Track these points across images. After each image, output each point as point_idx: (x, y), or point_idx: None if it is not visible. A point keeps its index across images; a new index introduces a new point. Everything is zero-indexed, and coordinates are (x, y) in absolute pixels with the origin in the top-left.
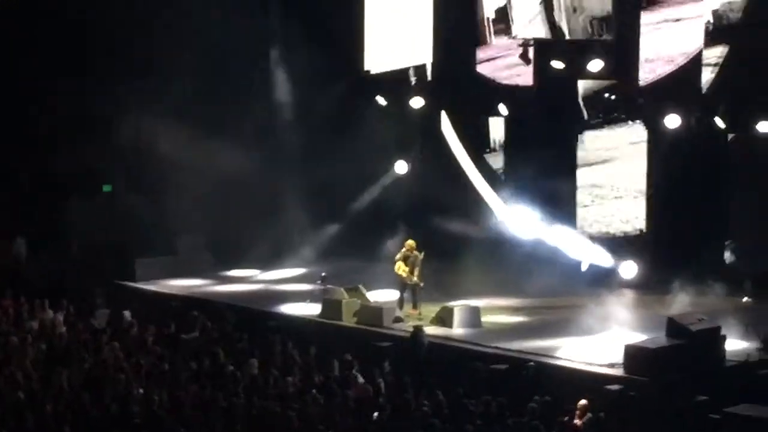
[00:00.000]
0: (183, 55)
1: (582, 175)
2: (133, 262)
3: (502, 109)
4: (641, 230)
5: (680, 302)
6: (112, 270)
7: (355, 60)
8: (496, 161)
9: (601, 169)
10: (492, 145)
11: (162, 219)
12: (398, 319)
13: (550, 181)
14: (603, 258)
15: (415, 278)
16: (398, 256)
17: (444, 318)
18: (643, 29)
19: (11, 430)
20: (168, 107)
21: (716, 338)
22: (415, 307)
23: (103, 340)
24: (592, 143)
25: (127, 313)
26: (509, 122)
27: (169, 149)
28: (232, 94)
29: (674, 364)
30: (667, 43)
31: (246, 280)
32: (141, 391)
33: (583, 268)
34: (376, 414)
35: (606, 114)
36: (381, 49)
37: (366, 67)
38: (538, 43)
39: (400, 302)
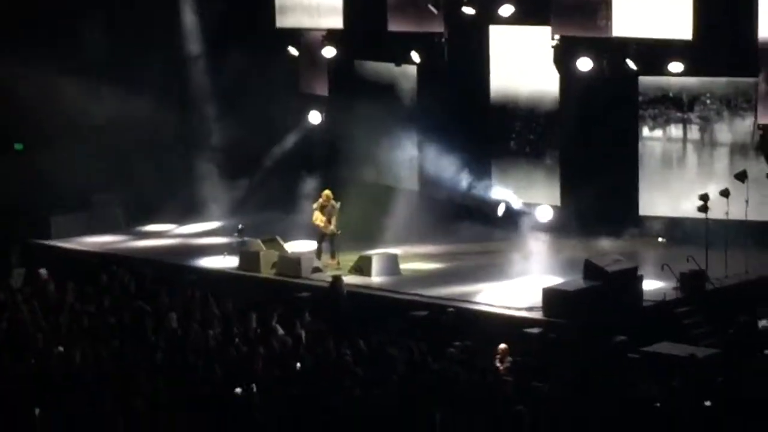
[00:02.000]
0: (92, 9)
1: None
2: (48, 219)
3: (414, 56)
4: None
5: (596, 244)
6: (26, 228)
7: (266, 17)
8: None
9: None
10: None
11: (75, 176)
12: (317, 269)
13: (464, 125)
14: (517, 201)
15: (332, 228)
16: (315, 205)
17: (362, 266)
18: None
19: None
20: (77, 62)
21: (633, 279)
22: (333, 256)
23: (20, 299)
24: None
25: (43, 271)
26: (421, 70)
27: (80, 105)
28: (142, 48)
29: (592, 306)
30: None
31: (162, 235)
32: (60, 349)
33: (499, 212)
34: (298, 365)
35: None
36: (291, 7)
37: (278, 25)
38: None
39: (318, 252)
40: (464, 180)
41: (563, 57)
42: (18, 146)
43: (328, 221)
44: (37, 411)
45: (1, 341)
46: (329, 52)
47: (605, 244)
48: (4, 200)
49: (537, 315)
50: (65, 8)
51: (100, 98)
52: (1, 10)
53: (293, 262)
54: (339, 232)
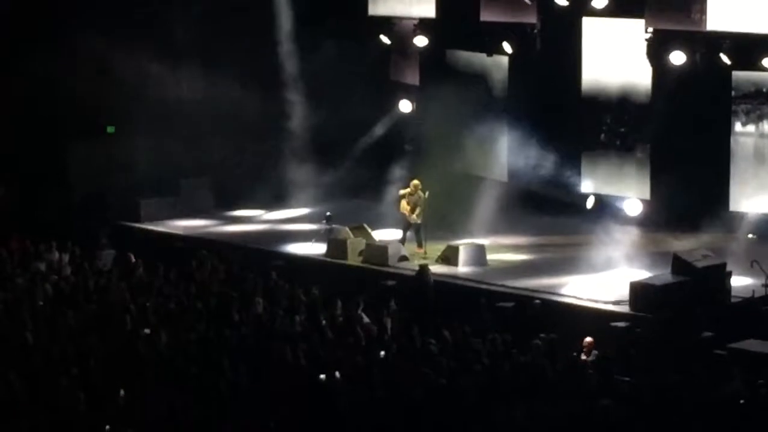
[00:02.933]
0: None
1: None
2: (138, 203)
3: (506, 47)
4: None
5: (686, 239)
6: (116, 211)
7: (359, 4)
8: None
9: None
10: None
11: (164, 160)
12: (404, 258)
13: (555, 116)
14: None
15: (417, 217)
16: (402, 193)
17: (449, 256)
18: None
19: (19, 371)
20: (168, 45)
21: (721, 274)
22: (420, 246)
23: (109, 281)
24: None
25: (131, 254)
26: (513, 60)
27: (171, 89)
28: (234, 32)
29: (679, 301)
30: None
31: (250, 221)
32: (147, 331)
33: (589, 205)
34: (382, 353)
35: None
36: None
37: (370, 12)
38: None
39: (403, 241)
40: (554, 171)
41: (656, 50)
42: (110, 129)
43: (414, 210)
44: (122, 392)
45: (90, 322)
46: (421, 41)
47: (694, 238)
48: (95, 182)
49: (624, 309)
50: None
51: (190, 82)
52: None
53: (381, 250)
54: (420, 221)
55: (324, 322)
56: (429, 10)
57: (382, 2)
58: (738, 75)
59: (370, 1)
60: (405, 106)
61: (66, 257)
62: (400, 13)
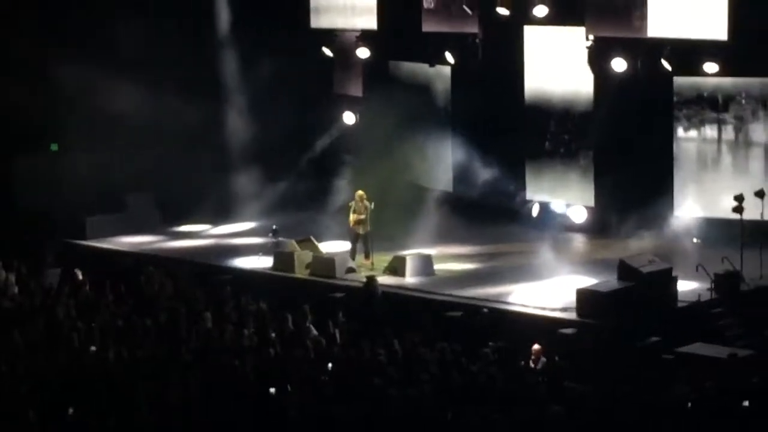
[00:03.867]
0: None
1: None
2: (83, 220)
3: (449, 57)
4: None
5: (630, 245)
6: (61, 228)
7: (302, 18)
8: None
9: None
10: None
11: (109, 175)
12: (351, 270)
13: (498, 125)
14: (553, 202)
15: (365, 228)
16: (349, 206)
17: (397, 267)
18: None
19: None
20: (113, 63)
21: (667, 279)
22: (367, 257)
23: (56, 299)
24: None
25: (78, 272)
26: (455, 70)
27: (114, 105)
28: (175, 45)
29: (626, 306)
30: None
31: (196, 235)
32: (94, 348)
33: (534, 213)
34: (330, 365)
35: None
36: (326, 7)
37: (312, 25)
38: None
39: (352, 252)
40: (498, 180)
41: (598, 57)
42: (53, 147)
43: (361, 221)
44: (70, 410)
45: (36, 341)
46: (363, 52)
47: (639, 244)
48: (39, 200)
49: (571, 315)
50: (100, 6)
51: (133, 98)
52: (31, 7)
53: (328, 263)
54: (366, 232)
55: (273, 335)
56: (371, 22)
57: (324, 14)
58: (679, 80)
59: (313, 13)
60: (349, 117)
61: (12, 276)
62: (342, 25)
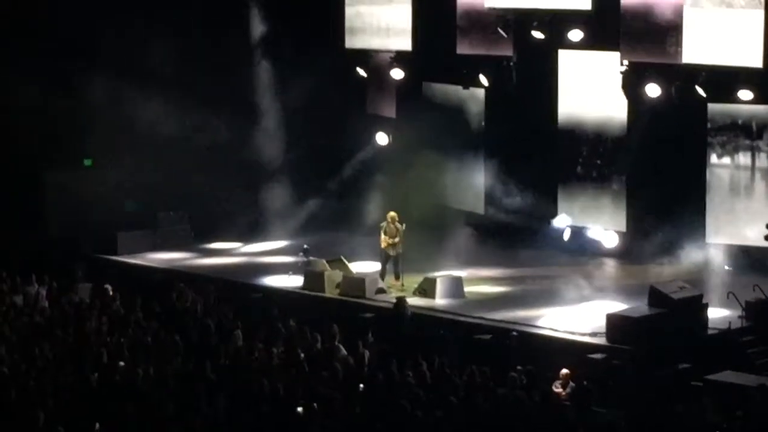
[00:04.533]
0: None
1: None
2: (115, 235)
3: (483, 79)
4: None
5: (662, 271)
6: (93, 244)
7: (336, 38)
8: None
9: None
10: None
11: (142, 192)
12: (381, 290)
13: (531, 149)
14: (585, 228)
15: (396, 249)
16: (381, 226)
17: (427, 288)
18: None
19: None
20: (146, 79)
21: (698, 306)
22: (397, 278)
23: (86, 314)
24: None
25: (109, 287)
26: (489, 93)
27: (149, 121)
28: (212, 64)
29: (656, 333)
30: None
31: (227, 253)
32: (123, 364)
33: (565, 237)
34: (361, 386)
35: None
36: (361, 28)
37: (347, 45)
38: (517, 14)
39: (382, 273)
40: (531, 204)
41: (632, 83)
42: (87, 162)
43: (392, 243)
44: (97, 425)
45: (66, 355)
46: (398, 74)
47: (671, 270)
48: (72, 215)
49: (600, 341)
50: (134, 23)
51: (169, 115)
52: (69, 23)
53: (358, 283)
54: (397, 253)
55: (302, 354)
56: (405, 43)
57: (360, 35)
58: (713, 107)
59: (348, 33)
60: (382, 138)
61: (43, 291)
62: (377, 46)
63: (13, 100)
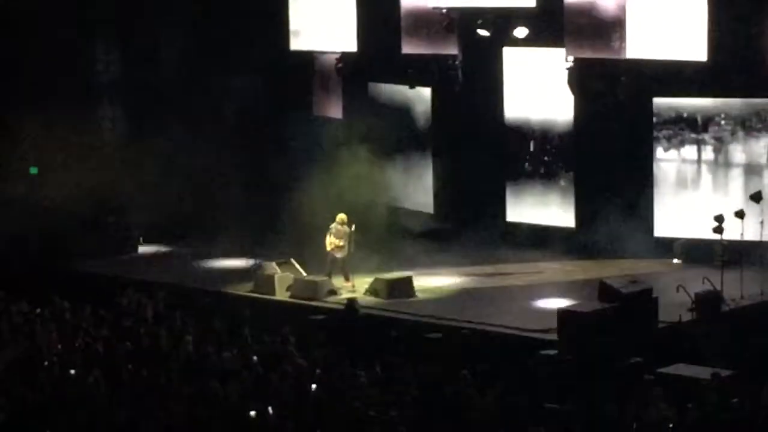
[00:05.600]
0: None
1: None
2: (64, 243)
3: (427, 79)
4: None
5: (611, 266)
6: (41, 252)
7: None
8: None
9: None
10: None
11: (91, 198)
12: (332, 292)
13: (478, 146)
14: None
15: (344, 251)
16: (329, 229)
17: (378, 289)
18: None
19: None
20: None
21: (648, 300)
22: (347, 279)
23: (36, 323)
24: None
25: (56, 296)
26: (435, 92)
27: (96, 128)
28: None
29: (607, 327)
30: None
31: (176, 257)
32: (72, 372)
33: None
34: (314, 387)
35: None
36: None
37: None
38: (461, 12)
39: (329, 275)
40: (479, 202)
41: (577, 78)
42: (33, 170)
43: (340, 245)
44: None
45: (16, 365)
46: (342, 74)
47: (620, 265)
48: (19, 224)
49: (552, 336)
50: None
51: (114, 121)
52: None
53: (310, 285)
54: (346, 255)
55: (254, 358)
56: (350, 44)
57: (305, 37)
58: (659, 101)
59: (292, 35)
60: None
61: None
62: (322, 47)
63: None
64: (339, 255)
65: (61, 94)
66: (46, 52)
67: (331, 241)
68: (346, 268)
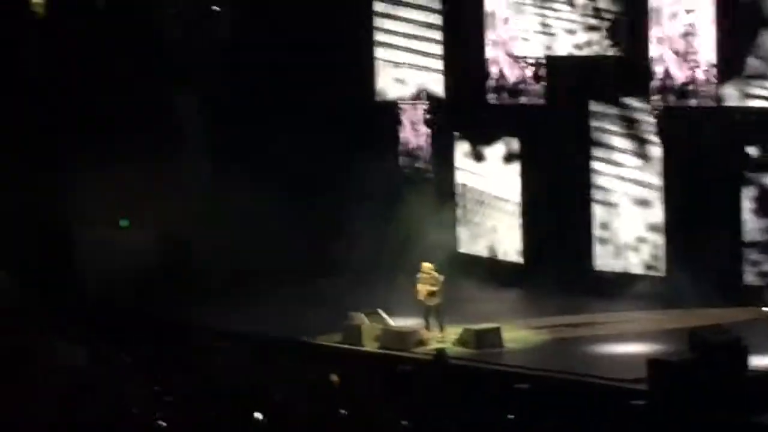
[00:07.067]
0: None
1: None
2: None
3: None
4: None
5: (701, 314)
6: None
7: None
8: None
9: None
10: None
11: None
12: (420, 342)
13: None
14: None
15: (435, 300)
16: (418, 279)
17: (466, 339)
18: None
19: None
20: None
21: (738, 349)
22: (436, 328)
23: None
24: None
25: None
26: (523, 142)
27: None
28: None
29: (698, 377)
30: None
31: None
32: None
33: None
34: None
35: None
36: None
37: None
38: (548, 60)
39: (426, 325)
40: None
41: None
42: (124, 222)
43: (431, 293)
44: None
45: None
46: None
47: (711, 314)
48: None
49: (643, 386)
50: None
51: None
52: None
53: (397, 336)
54: (436, 304)
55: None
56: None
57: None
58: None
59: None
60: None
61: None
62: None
63: None
64: (432, 303)
65: (147, 144)
66: (134, 102)
67: (424, 289)
68: (439, 317)
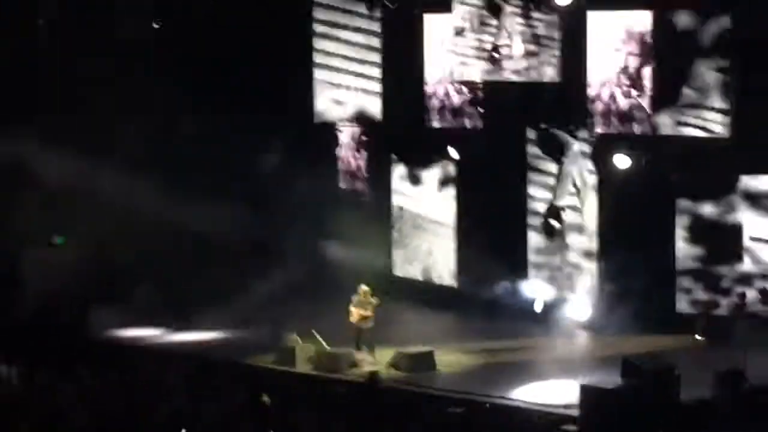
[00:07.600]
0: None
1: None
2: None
3: (453, 152)
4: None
5: (633, 342)
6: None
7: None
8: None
9: None
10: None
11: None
12: (353, 365)
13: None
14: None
15: (368, 324)
16: (353, 301)
17: (399, 362)
18: None
19: None
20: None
21: (670, 377)
22: (367, 351)
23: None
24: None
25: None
26: (459, 166)
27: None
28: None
29: (630, 404)
30: None
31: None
32: None
33: (537, 309)
34: None
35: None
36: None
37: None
38: (486, 85)
39: (357, 347)
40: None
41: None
42: (59, 240)
43: (365, 317)
44: None
45: None
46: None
47: (643, 341)
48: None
49: (573, 412)
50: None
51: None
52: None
53: (331, 357)
54: (369, 327)
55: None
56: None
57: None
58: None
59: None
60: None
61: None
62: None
63: None
64: (365, 326)
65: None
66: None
67: (357, 312)
68: (371, 341)
